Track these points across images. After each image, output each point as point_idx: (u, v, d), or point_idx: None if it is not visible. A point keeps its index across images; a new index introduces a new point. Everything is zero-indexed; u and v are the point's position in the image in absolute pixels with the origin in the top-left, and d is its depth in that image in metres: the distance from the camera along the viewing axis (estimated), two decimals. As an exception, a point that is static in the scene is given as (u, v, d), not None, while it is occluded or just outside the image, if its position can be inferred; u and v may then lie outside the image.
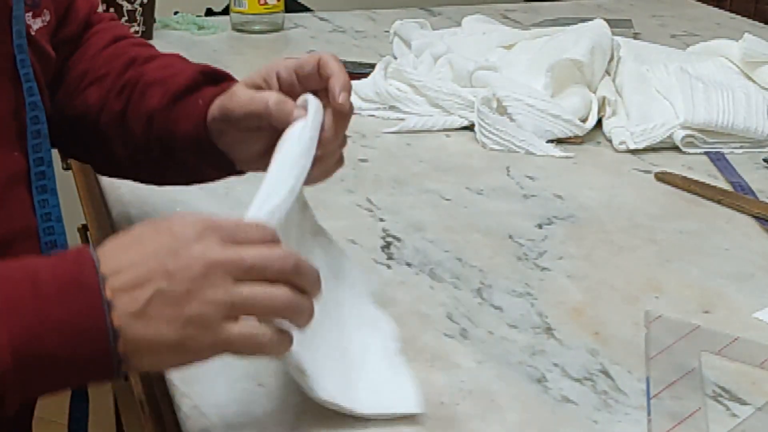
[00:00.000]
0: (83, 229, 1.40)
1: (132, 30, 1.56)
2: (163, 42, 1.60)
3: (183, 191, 0.95)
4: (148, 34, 1.59)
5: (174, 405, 0.70)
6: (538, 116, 1.19)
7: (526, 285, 0.87)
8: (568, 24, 1.42)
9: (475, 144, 1.20)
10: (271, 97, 0.76)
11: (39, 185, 0.78)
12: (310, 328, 0.64)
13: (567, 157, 1.17)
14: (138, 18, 1.56)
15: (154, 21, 1.62)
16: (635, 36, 1.59)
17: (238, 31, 1.67)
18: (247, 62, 1.49)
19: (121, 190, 1.02)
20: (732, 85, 1.24)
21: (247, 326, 0.61)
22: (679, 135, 1.18)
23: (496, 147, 1.19)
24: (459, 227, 0.99)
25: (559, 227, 0.99)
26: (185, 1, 1.97)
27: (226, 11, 1.77)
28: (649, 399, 0.71)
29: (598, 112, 1.24)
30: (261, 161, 0.77)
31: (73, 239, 1.37)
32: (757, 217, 1.01)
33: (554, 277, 0.89)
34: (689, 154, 1.18)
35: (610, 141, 1.21)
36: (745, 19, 1.85)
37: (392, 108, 1.28)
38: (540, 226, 0.99)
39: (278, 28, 1.68)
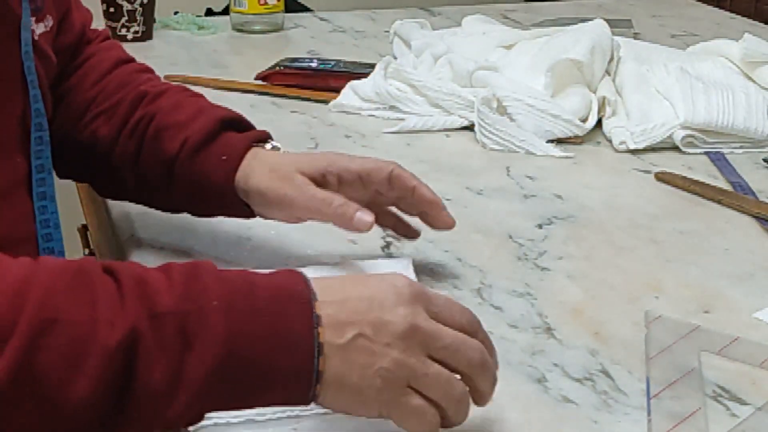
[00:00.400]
0: (83, 229, 1.40)
1: (132, 30, 1.56)
2: (163, 42, 1.60)
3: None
4: (148, 34, 1.59)
5: None
6: (538, 116, 1.19)
7: (526, 285, 0.87)
8: (568, 24, 1.42)
9: (475, 144, 1.20)
10: (335, 201, 0.80)
11: (39, 191, 0.79)
12: None
13: (567, 157, 1.17)
14: (138, 18, 1.56)
15: (154, 21, 1.62)
16: (635, 36, 1.59)
17: (238, 31, 1.67)
18: (247, 62, 1.49)
19: (121, 190, 1.02)
20: (732, 85, 1.24)
21: (423, 403, 0.61)
22: (679, 135, 1.18)
23: (496, 147, 1.19)
24: (459, 227, 0.98)
25: (559, 227, 0.99)
26: (185, 1, 1.97)
27: (226, 11, 1.77)
28: (649, 399, 0.71)
29: (598, 112, 1.24)
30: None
31: (73, 239, 1.37)
32: (757, 217, 1.01)
33: (554, 277, 0.89)
34: (689, 154, 1.18)
35: (610, 141, 1.21)
36: (745, 19, 1.85)
37: (392, 108, 1.28)
38: (540, 226, 0.99)
39: (278, 28, 1.69)
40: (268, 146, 0.87)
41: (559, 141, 1.20)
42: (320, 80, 1.38)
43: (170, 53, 1.54)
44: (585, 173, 1.14)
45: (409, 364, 0.61)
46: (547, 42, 1.34)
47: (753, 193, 1.07)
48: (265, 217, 0.86)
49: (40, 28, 0.82)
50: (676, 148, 1.19)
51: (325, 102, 1.32)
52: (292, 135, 1.21)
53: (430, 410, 0.62)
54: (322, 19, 1.79)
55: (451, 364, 0.62)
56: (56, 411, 0.55)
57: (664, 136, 1.19)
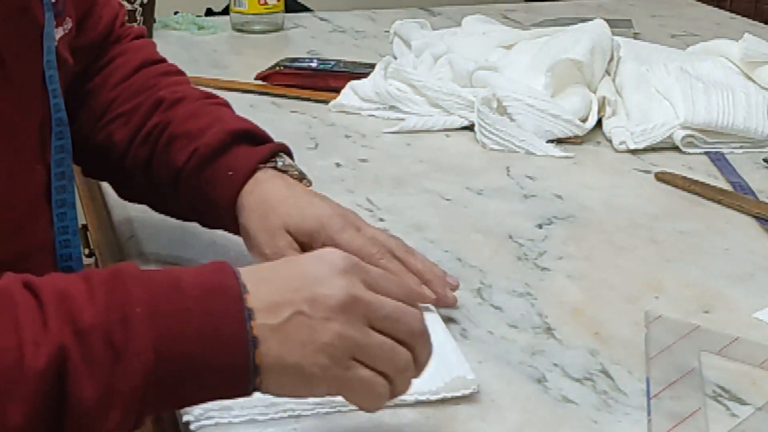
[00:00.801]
0: (83, 229, 1.40)
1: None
2: (163, 42, 1.59)
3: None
4: (148, 34, 1.58)
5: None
6: (538, 116, 1.19)
7: (526, 285, 0.87)
8: (568, 24, 1.41)
9: (475, 144, 1.20)
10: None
11: (59, 199, 0.78)
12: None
13: (567, 157, 1.17)
14: (138, 18, 1.56)
15: (154, 21, 1.62)
16: (635, 36, 1.59)
17: (238, 31, 1.67)
18: (247, 62, 1.49)
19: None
20: (732, 85, 1.24)
21: (371, 374, 0.60)
22: (679, 135, 1.18)
23: (496, 147, 1.19)
24: (459, 227, 0.99)
25: (559, 227, 0.99)
26: (185, 1, 1.97)
27: (226, 11, 1.77)
28: (649, 399, 0.71)
29: (598, 112, 1.24)
30: None
31: (73, 239, 1.37)
32: (757, 217, 1.01)
33: (554, 277, 0.89)
34: (689, 154, 1.18)
35: (610, 141, 1.21)
36: (745, 19, 1.85)
37: (392, 108, 1.28)
38: (540, 226, 0.99)
39: (278, 28, 1.69)
40: (279, 163, 0.84)
41: (559, 141, 1.20)
42: (320, 80, 1.38)
43: (170, 53, 1.52)
44: (585, 173, 1.14)
45: (351, 336, 0.59)
46: (547, 42, 1.34)
47: (753, 193, 1.07)
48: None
49: (59, 33, 0.81)
50: (676, 148, 1.19)
51: (325, 102, 1.32)
52: (292, 135, 1.21)
53: (379, 380, 0.61)
54: (322, 19, 1.79)
55: (393, 333, 0.61)
56: None
57: (664, 136, 1.19)
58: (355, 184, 1.08)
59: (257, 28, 1.67)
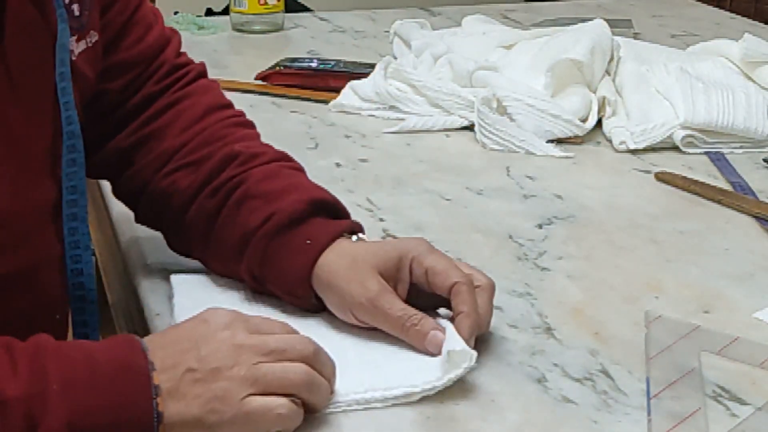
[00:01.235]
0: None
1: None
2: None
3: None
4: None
5: None
6: (538, 116, 1.19)
7: (526, 285, 0.87)
8: (568, 24, 1.42)
9: (475, 144, 1.20)
10: (410, 320, 0.74)
11: (70, 213, 0.77)
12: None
13: (567, 157, 1.17)
14: (138, 18, 1.56)
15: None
16: (635, 36, 1.59)
17: (238, 31, 1.67)
18: (247, 62, 1.49)
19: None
20: (732, 85, 1.24)
21: (265, 399, 0.64)
22: (679, 135, 1.18)
23: (496, 147, 1.19)
24: (459, 227, 0.99)
25: (559, 227, 0.99)
26: (185, 1, 1.97)
27: (226, 11, 1.77)
28: (649, 399, 0.71)
29: (598, 112, 1.24)
30: None
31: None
32: (757, 217, 1.01)
33: (554, 277, 0.89)
34: (689, 154, 1.18)
35: (610, 141, 1.21)
36: (745, 19, 1.85)
37: (392, 108, 1.28)
38: (540, 226, 0.99)
39: (278, 28, 1.69)
40: (354, 238, 0.80)
41: (559, 141, 1.20)
42: (320, 80, 1.38)
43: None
44: (585, 173, 1.14)
45: (239, 376, 0.64)
46: (547, 42, 1.34)
47: (753, 193, 1.07)
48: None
49: (80, 47, 0.79)
50: (676, 148, 1.19)
51: (325, 102, 1.32)
52: (292, 135, 1.21)
53: (278, 401, 0.65)
54: (322, 19, 1.79)
55: (285, 360, 0.66)
56: None
57: (664, 136, 1.19)
58: (355, 184, 1.08)
59: (257, 28, 1.67)
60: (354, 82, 1.32)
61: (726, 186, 1.09)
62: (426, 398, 0.69)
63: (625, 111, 1.24)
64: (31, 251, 0.74)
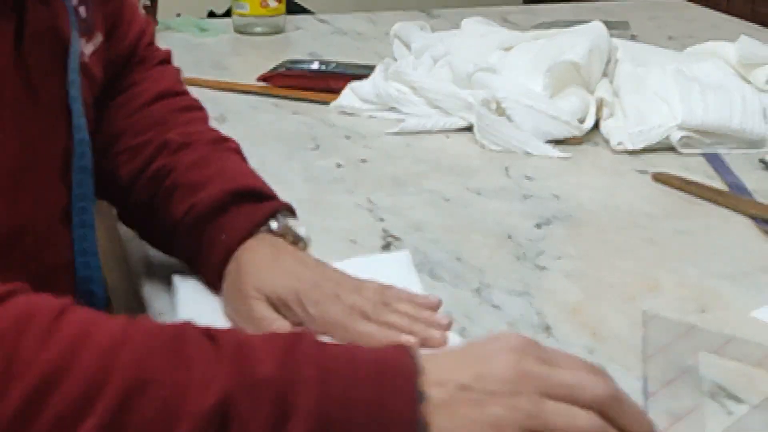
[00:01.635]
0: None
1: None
2: (165, 44, 1.60)
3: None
4: (149, 35, 1.59)
5: None
6: (537, 117, 1.20)
7: (525, 284, 0.88)
8: (566, 26, 1.42)
9: (475, 145, 1.21)
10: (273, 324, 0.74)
11: (79, 219, 0.78)
12: None
13: (565, 158, 1.18)
14: (139, 20, 1.57)
15: (156, 23, 1.63)
16: (632, 38, 1.60)
17: (240, 33, 1.68)
18: (248, 64, 1.50)
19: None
20: (728, 87, 1.25)
21: None
22: (676, 136, 1.19)
23: (495, 148, 1.19)
24: (458, 227, 0.99)
25: (558, 227, 1.00)
26: (187, 4, 1.98)
27: (227, 14, 1.78)
28: (646, 398, 0.71)
29: (596, 113, 1.24)
30: None
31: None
32: (753, 217, 1.02)
33: (552, 277, 0.89)
34: (686, 154, 1.19)
35: (607, 142, 1.22)
36: (741, 21, 1.86)
37: (392, 109, 1.29)
38: (539, 226, 0.99)
39: (279, 31, 1.69)
40: (274, 225, 0.81)
41: (558, 142, 1.21)
42: (321, 82, 1.38)
43: (172, 55, 1.54)
44: (583, 174, 1.14)
45: (521, 408, 0.57)
46: (545, 44, 1.34)
47: (749, 194, 1.08)
48: None
49: (89, 48, 0.80)
50: (673, 149, 1.19)
51: (326, 103, 1.33)
52: (293, 135, 1.22)
53: None
54: (322, 21, 1.80)
55: (573, 400, 0.58)
56: None
57: (661, 137, 1.19)
58: (356, 184, 1.09)
59: (259, 30, 1.68)
60: (354, 84, 1.33)
61: (722, 186, 1.10)
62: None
63: (623, 112, 1.25)
64: (44, 259, 0.74)
